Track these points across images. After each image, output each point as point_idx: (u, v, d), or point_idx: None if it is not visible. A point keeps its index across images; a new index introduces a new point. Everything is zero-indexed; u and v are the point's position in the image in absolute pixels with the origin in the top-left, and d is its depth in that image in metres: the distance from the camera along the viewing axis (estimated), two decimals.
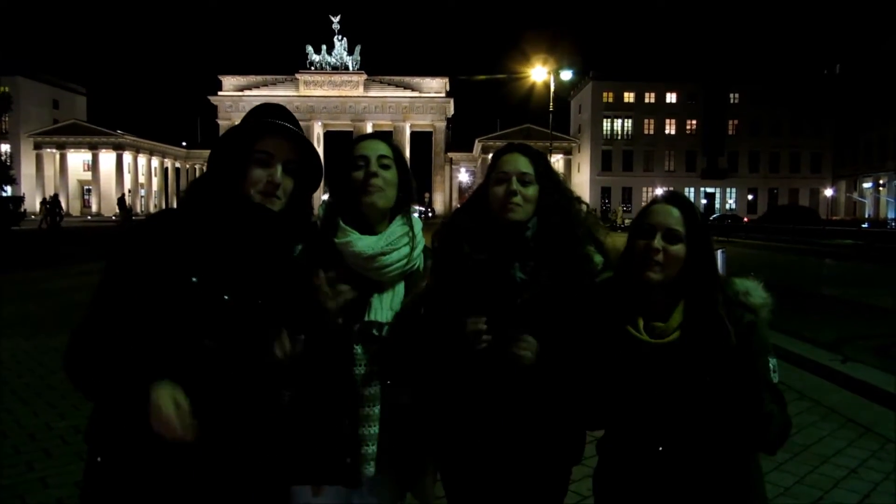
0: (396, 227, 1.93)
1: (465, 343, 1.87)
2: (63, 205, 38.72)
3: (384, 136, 2.07)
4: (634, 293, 1.85)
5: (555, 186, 2.07)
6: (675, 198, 1.89)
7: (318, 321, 1.80)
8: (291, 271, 1.79)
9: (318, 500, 1.86)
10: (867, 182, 68.14)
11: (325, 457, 1.81)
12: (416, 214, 2.07)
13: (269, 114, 1.73)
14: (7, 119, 53.77)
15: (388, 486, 1.95)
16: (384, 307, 1.87)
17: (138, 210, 70.43)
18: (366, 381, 1.85)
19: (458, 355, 1.93)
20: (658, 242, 1.80)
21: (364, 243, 1.84)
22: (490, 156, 2.24)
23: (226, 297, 1.60)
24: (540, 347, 1.90)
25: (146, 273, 1.54)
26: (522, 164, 2.02)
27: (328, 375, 1.81)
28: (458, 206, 2.28)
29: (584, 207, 2.16)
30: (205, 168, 1.80)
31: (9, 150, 67.54)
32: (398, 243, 1.89)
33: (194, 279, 1.57)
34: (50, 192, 68.87)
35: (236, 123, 1.78)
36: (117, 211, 43.05)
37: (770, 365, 1.79)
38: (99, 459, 1.56)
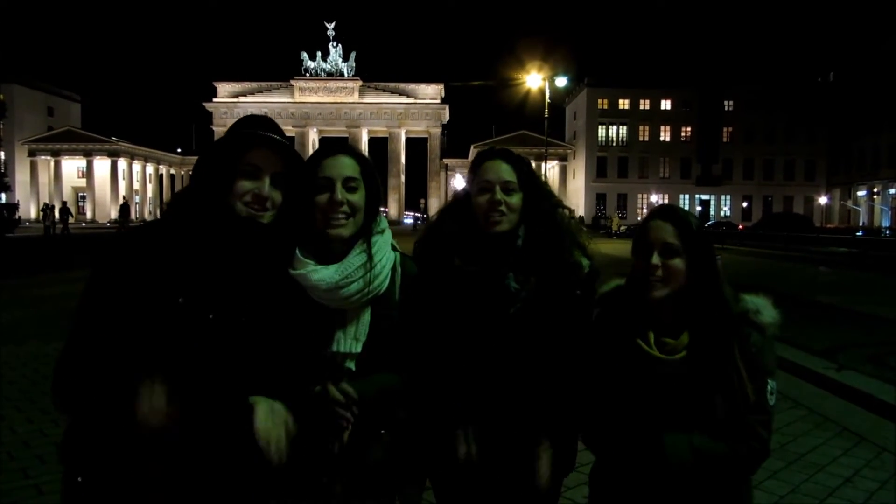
0: (354, 258, 1.80)
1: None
2: (57, 213, 39.25)
3: (352, 148, 1.92)
4: (644, 309, 1.87)
5: (539, 192, 2.07)
6: (668, 212, 1.89)
7: (285, 346, 1.75)
8: (276, 287, 1.75)
9: None
10: (861, 190, 68.52)
11: (296, 475, 1.78)
12: (404, 221, 2.00)
13: (257, 125, 1.70)
14: (2, 126, 53.61)
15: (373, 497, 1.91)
16: (347, 337, 1.80)
17: (133, 217, 70.30)
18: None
19: (452, 371, 1.93)
20: (656, 259, 1.82)
21: (319, 276, 1.75)
22: (475, 156, 2.19)
23: (210, 317, 1.58)
24: (532, 354, 1.92)
25: (131, 294, 1.51)
26: (505, 172, 2.00)
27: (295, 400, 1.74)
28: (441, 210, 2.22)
29: (566, 212, 2.17)
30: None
31: (3, 158, 67.14)
32: (355, 275, 1.77)
33: (181, 299, 1.54)
34: (45, 199, 68.79)
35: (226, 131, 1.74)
36: (112, 217, 43.14)
37: (769, 387, 1.79)
38: (80, 479, 1.51)
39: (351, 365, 1.80)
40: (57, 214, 39.15)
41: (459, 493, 2.05)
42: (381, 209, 2.01)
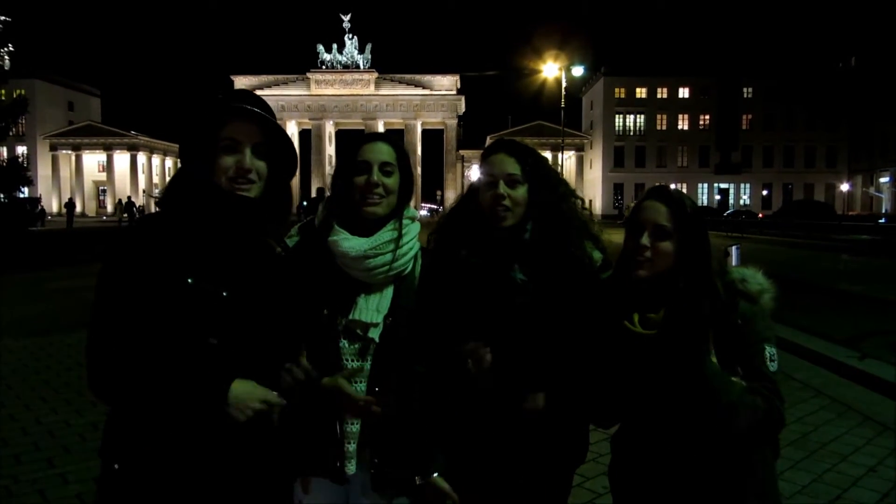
0: (384, 233, 1.91)
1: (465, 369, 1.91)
2: (78, 206, 40.81)
3: (389, 137, 2.05)
4: (632, 289, 1.87)
5: (544, 184, 2.05)
6: (662, 193, 1.89)
7: (308, 313, 1.82)
8: (280, 258, 1.80)
9: (319, 501, 1.88)
10: (884, 177, 67.30)
11: (312, 448, 1.82)
12: (420, 213, 2.05)
13: (233, 98, 1.71)
14: (23, 121, 54.29)
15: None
16: (370, 308, 1.87)
17: (152, 210, 70.94)
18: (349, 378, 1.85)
19: (457, 364, 1.93)
20: (645, 239, 1.82)
21: (349, 244, 1.86)
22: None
23: (224, 294, 1.61)
24: (540, 347, 1.92)
25: (141, 281, 1.54)
26: (509, 166, 2.00)
27: (316, 365, 1.79)
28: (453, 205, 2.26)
29: (578, 203, 2.14)
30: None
31: (25, 152, 68.09)
32: (384, 248, 1.88)
33: (190, 280, 1.57)
34: (66, 193, 69.84)
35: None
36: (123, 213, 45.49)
37: (766, 353, 1.78)
38: (116, 466, 1.57)
39: (375, 335, 1.86)
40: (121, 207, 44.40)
41: (471, 487, 2.05)
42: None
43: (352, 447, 1.85)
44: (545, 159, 2.14)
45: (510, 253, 1.98)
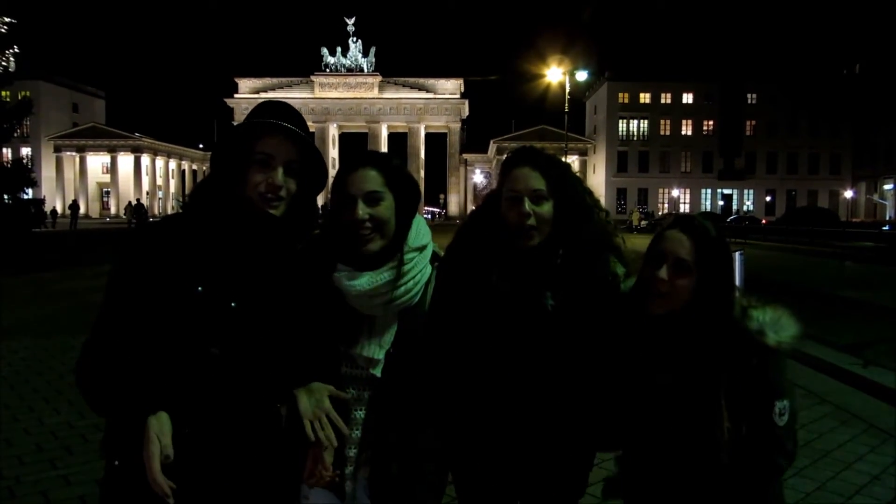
0: (386, 271, 1.79)
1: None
2: (82, 208, 41.03)
3: (377, 158, 1.86)
4: (649, 323, 1.82)
5: (571, 198, 1.94)
6: (689, 224, 1.80)
7: (312, 338, 1.78)
8: (295, 277, 1.76)
9: (324, 500, 1.87)
10: (888, 183, 67.20)
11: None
12: (424, 247, 1.90)
13: (271, 113, 1.67)
14: (28, 123, 54.52)
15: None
16: (372, 343, 1.82)
17: (156, 212, 71.19)
18: (351, 404, 1.83)
19: (476, 383, 1.91)
20: (664, 273, 1.75)
21: (349, 283, 1.77)
22: (504, 157, 2.08)
23: (233, 305, 1.60)
24: (569, 371, 1.88)
25: (150, 284, 1.53)
26: (534, 181, 1.88)
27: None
28: (472, 209, 2.19)
29: (602, 215, 2.04)
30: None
31: (29, 153, 68.47)
32: (386, 288, 1.78)
33: (200, 288, 1.56)
34: (70, 194, 70.11)
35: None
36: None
37: (776, 409, 1.72)
38: (116, 463, 1.58)
39: (376, 371, 1.81)
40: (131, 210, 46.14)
41: (480, 493, 2.04)
42: None
43: (348, 470, 1.84)
44: (569, 168, 2.02)
45: (540, 278, 1.89)
